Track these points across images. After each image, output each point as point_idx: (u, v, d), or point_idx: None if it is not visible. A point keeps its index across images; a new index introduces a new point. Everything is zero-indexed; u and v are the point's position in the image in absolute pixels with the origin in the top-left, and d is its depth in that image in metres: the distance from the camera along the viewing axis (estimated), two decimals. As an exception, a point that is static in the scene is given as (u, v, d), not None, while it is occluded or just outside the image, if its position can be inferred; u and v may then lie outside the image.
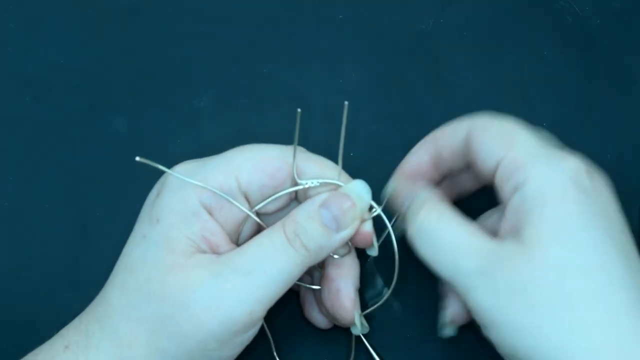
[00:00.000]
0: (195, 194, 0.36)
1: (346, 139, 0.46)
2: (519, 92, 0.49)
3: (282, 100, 0.49)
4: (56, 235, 0.46)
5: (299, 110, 0.34)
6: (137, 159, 0.34)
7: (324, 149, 0.40)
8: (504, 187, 0.36)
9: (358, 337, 0.42)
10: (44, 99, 0.49)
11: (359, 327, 0.40)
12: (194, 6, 0.51)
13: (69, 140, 0.48)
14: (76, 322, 0.38)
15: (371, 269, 0.43)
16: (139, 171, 0.47)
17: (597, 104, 0.49)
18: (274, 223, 0.37)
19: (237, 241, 0.39)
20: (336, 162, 0.38)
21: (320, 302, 0.41)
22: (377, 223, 0.39)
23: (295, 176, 0.37)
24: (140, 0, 0.52)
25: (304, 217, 0.36)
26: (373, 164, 0.47)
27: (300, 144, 0.40)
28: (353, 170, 0.39)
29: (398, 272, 0.40)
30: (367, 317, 0.42)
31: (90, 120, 0.49)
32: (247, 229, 0.39)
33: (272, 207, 0.39)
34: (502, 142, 0.37)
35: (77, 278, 0.45)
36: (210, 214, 0.37)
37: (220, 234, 0.37)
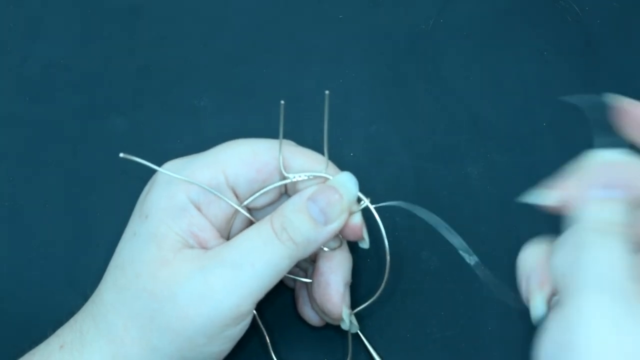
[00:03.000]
0: (183, 190, 0.36)
1: (346, 139, 0.46)
2: (519, 92, 0.49)
3: (282, 100, 0.49)
4: (55, 235, 0.46)
5: (282, 102, 0.34)
6: (121, 155, 0.34)
7: (323, 149, 0.39)
8: None
9: (356, 335, 0.42)
10: (44, 99, 0.49)
11: (347, 322, 0.40)
12: (194, 6, 0.51)
13: (69, 140, 0.48)
14: (71, 321, 0.38)
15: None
16: (139, 171, 0.47)
17: (597, 104, 0.49)
18: (263, 217, 0.37)
19: (228, 236, 0.39)
20: (336, 160, 0.38)
21: (312, 298, 0.41)
22: (373, 219, 0.39)
23: (283, 170, 0.37)
24: (140, 0, 0.52)
25: (291, 210, 0.36)
26: (373, 164, 0.47)
27: (300, 143, 0.40)
28: (353, 171, 0.39)
29: (389, 267, 0.40)
30: (363, 315, 0.42)
31: (90, 120, 0.49)
32: (238, 224, 0.39)
33: (261, 202, 0.39)
34: None
35: (76, 278, 0.45)
36: (199, 209, 0.37)
37: (208, 230, 0.37)
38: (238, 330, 0.36)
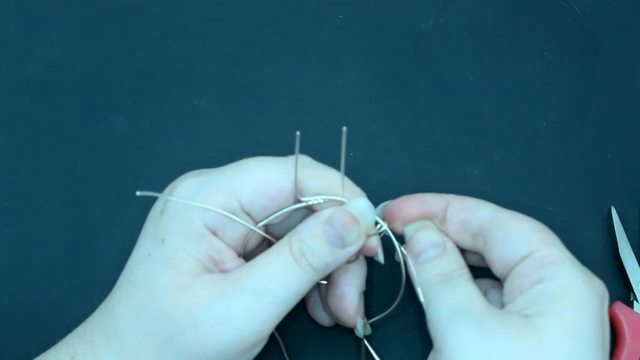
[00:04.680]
0: (198, 216, 0.36)
1: (346, 138, 0.46)
2: (519, 92, 0.49)
3: (282, 100, 0.49)
4: (56, 235, 0.46)
5: (297, 133, 0.34)
6: (138, 193, 0.34)
7: (324, 149, 0.39)
8: (525, 276, 0.36)
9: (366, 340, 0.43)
10: (44, 99, 0.49)
11: (361, 331, 0.41)
12: (194, 6, 0.51)
13: (69, 140, 0.48)
14: (80, 330, 0.38)
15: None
16: (139, 171, 0.47)
17: (597, 104, 0.49)
18: (279, 231, 0.38)
19: (244, 253, 0.39)
20: (336, 167, 0.38)
21: (324, 300, 0.41)
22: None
23: (299, 195, 0.37)
24: (140, 0, 0.52)
25: (309, 235, 0.36)
26: (373, 164, 0.47)
27: (301, 143, 0.40)
28: (353, 171, 0.39)
29: (405, 286, 0.40)
30: (373, 322, 0.42)
31: (90, 120, 0.49)
32: (254, 241, 0.39)
33: (276, 220, 0.38)
34: (537, 236, 0.37)
35: (78, 279, 0.45)
36: (214, 234, 0.37)
37: (226, 252, 0.37)
38: (255, 352, 0.37)
